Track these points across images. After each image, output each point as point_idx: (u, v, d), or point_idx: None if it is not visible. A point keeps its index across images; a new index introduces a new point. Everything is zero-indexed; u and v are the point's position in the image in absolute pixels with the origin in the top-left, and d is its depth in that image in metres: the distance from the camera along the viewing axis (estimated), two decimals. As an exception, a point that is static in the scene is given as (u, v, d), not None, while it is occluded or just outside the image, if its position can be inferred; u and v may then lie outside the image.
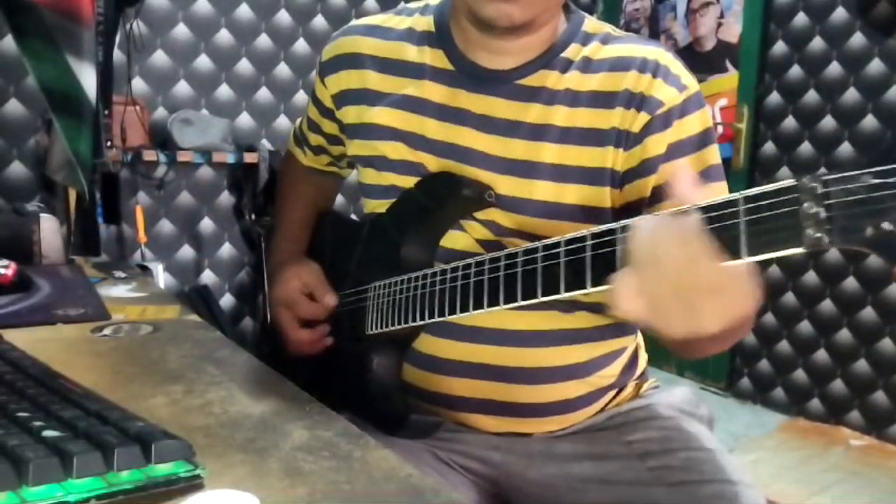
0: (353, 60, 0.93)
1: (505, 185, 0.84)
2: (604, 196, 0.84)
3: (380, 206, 0.93)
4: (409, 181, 0.89)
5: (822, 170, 0.52)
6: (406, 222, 0.90)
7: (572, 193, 0.83)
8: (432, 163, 0.88)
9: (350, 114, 0.94)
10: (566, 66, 0.85)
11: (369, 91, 0.92)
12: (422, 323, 0.82)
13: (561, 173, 0.83)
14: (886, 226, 0.47)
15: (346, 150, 0.99)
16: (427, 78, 0.88)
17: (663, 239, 0.56)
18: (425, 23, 0.91)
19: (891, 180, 0.47)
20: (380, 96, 0.91)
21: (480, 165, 0.85)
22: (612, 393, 0.96)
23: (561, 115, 0.83)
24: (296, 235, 1.09)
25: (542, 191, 0.84)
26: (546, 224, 0.83)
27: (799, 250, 0.51)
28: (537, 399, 0.90)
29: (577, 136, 0.83)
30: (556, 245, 0.67)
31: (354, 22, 0.98)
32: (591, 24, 0.88)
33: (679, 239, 0.55)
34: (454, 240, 0.89)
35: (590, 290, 0.64)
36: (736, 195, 0.54)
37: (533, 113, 0.84)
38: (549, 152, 0.83)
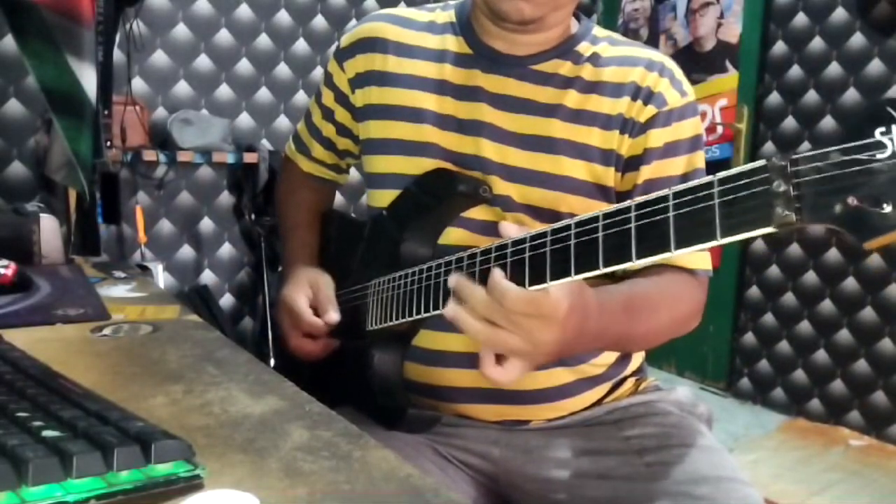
0: (374, 44, 0.97)
1: (517, 157, 0.89)
2: (609, 176, 0.89)
3: (386, 196, 0.95)
4: (420, 164, 0.92)
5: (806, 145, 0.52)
6: (405, 219, 0.91)
7: (581, 169, 0.89)
8: (448, 140, 0.91)
9: (368, 95, 0.97)
10: (578, 58, 0.91)
11: (390, 73, 0.95)
12: (419, 317, 0.82)
13: (571, 149, 0.88)
14: (852, 200, 0.47)
15: (360, 135, 1.00)
16: (447, 62, 0.93)
17: (475, 302, 0.69)
18: (446, 16, 0.97)
19: (858, 157, 0.47)
20: (400, 78, 0.94)
21: (494, 139, 0.90)
22: (608, 385, 0.98)
23: (572, 98, 0.89)
24: (308, 240, 1.10)
25: (553, 164, 0.88)
26: (556, 196, 0.88)
27: (769, 230, 0.51)
28: (531, 386, 0.92)
29: (587, 117, 0.89)
30: (544, 235, 0.67)
31: (376, 11, 1.02)
32: (598, 29, 0.96)
33: (485, 293, 0.68)
34: (447, 235, 0.91)
35: (575, 276, 0.64)
36: (711, 178, 0.55)
37: (545, 94, 0.90)
38: (560, 129, 0.88)
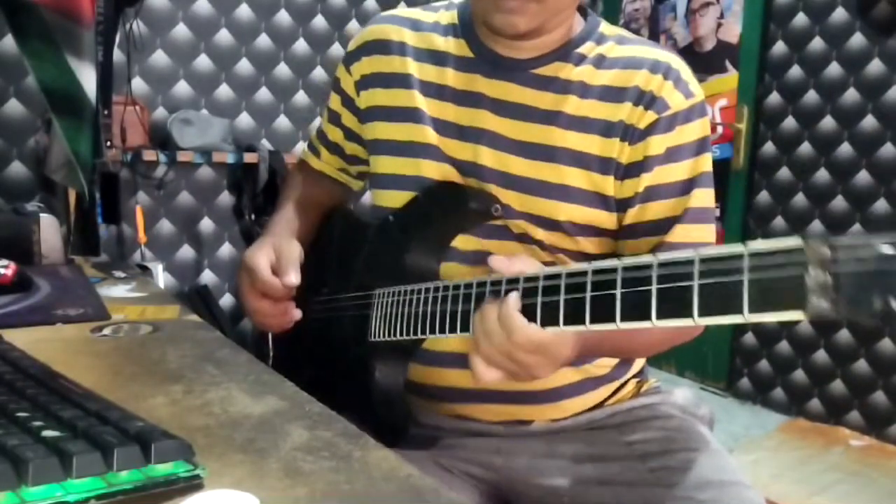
0: (380, 46, 0.97)
1: (517, 165, 0.88)
2: (608, 184, 0.87)
3: (388, 195, 0.95)
4: (420, 166, 0.91)
5: (855, 229, 0.49)
6: (412, 230, 0.90)
7: (581, 178, 0.87)
8: (447, 145, 0.90)
9: (372, 97, 0.97)
10: (580, 60, 0.89)
11: (395, 75, 0.95)
12: (424, 337, 0.81)
13: (571, 158, 0.87)
14: (894, 304, 0.44)
15: (366, 136, 1.00)
16: (449, 65, 0.92)
17: (487, 324, 0.70)
18: (449, 16, 0.96)
19: None
20: (403, 80, 0.94)
21: (493, 146, 0.89)
22: (611, 387, 0.97)
23: (572, 104, 0.87)
24: (292, 218, 1.06)
25: (552, 173, 0.87)
26: (555, 205, 0.87)
27: (802, 317, 0.48)
28: (533, 385, 0.91)
29: (587, 124, 0.87)
30: (558, 276, 0.66)
31: (383, 13, 1.02)
32: (606, 26, 0.93)
33: (497, 320, 0.69)
34: (456, 240, 0.90)
35: (590, 327, 0.63)
36: (740, 248, 0.51)
37: (546, 100, 0.88)
38: (561, 137, 0.87)
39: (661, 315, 0.56)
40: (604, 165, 0.87)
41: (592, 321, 0.62)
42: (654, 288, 0.57)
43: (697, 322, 0.54)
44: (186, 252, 3.12)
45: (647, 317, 0.57)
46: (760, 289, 0.49)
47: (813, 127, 2.84)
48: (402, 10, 1.00)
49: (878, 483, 2.33)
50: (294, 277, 0.91)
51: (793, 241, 0.48)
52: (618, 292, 0.60)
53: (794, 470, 2.41)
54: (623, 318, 0.59)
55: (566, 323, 0.64)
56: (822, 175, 2.82)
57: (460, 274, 0.88)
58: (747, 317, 0.50)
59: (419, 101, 0.92)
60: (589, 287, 0.62)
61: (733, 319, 0.51)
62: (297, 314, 0.95)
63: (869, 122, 2.68)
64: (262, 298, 0.94)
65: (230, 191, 3.15)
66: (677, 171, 0.87)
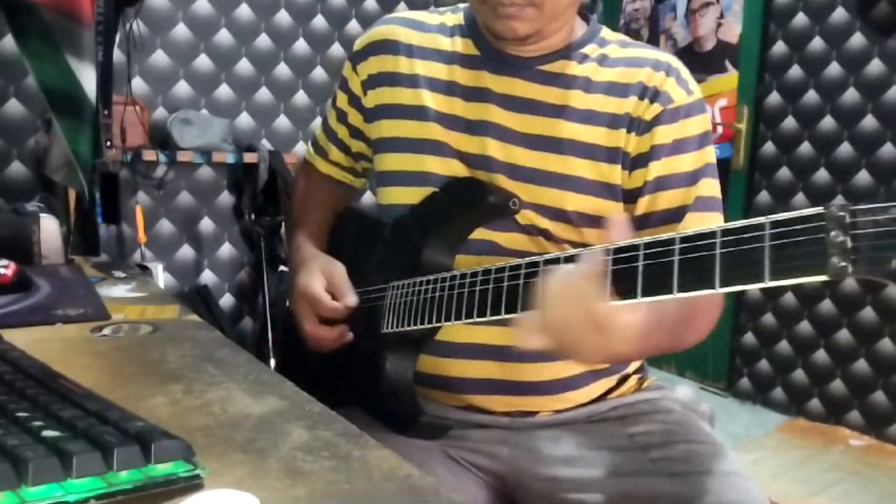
0: (387, 46, 0.99)
1: (524, 157, 0.90)
2: (615, 174, 0.90)
3: (396, 193, 0.97)
4: (429, 163, 0.94)
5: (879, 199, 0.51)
6: (429, 225, 0.92)
7: (588, 168, 0.90)
8: (455, 139, 0.93)
9: (379, 96, 0.99)
10: (583, 59, 0.92)
11: (402, 74, 0.97)
12: (437, 325, 0.83)
13: (578, 148, 0.89)
14: None
15: (371, 135, 1.02)
16: (456, 63, 0.95)
17: (559, 283, 0.66)
18: (455, 18, 0.99)
19: None
20: (411, 79, 0.96)
21: (500, 139, 0.91)
22: (612, 380, 0.99)
23: (577, 98, 0.90)
24: (317, 236, 1.11)
25: (559, 164, 0.89)
26: (562, 195, 0.89)
27: (822, 277, 0.51)
28: (538, 377, 0.94)
29: (593, 117, 0.90)
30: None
31: (388, 16, 1.04)
32: (608, 32, 0.96)
33: (570, 283, 0.64)
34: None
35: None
36: (762, 219, 0.54)
37: (551, 94, 0.91)
38: (567, 129, 0.89)
39: (683, 287, 0.58)
40: (611, 155, 0.89)
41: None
42: (675, 259, 0.59)
43: (718, 290, 0.56)
44: (186, 252, 3.12)
45: (669, 289, 0.59)
46: (782, 255, 0.53)
47: (813, 127, 2.84)
48: (406, 13, 1.03)
49: (878, 483, 2.33)
50: (352, 298, 0.96)
51: (813, 210, 0.52)
52: (640, 265, 0.61)
53: (794, 469, 2.42)
54: (644, 293, 0.61)
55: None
56: (822, 175, 2.82)
57: (466, 263, 0.90)
58: (768, 282, 0.53)
59: (426, 98, 0.94)
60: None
61: (754, 286, 0.54)
62: (350, 336, 0.98)
63: (869, 122, 2.68)
64: (321, 326, 0.99)
65: (230, 191, 3.15)
66: (684, 162, 0.90)
